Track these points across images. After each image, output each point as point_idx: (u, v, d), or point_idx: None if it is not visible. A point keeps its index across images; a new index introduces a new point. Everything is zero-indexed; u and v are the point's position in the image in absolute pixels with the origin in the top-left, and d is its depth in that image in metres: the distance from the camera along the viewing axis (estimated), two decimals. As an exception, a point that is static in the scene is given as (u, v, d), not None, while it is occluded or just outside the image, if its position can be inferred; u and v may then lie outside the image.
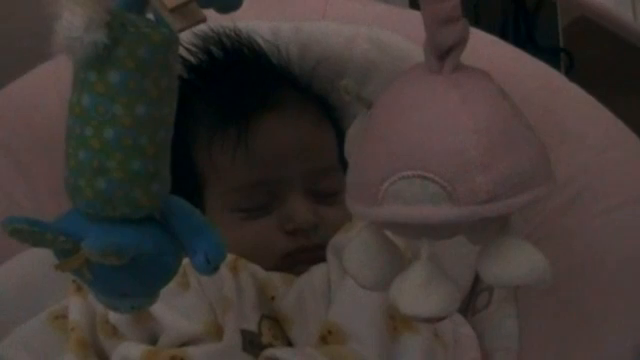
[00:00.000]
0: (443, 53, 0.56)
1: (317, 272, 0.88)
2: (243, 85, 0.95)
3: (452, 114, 0.55)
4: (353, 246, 0.62)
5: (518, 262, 0.57)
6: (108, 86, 0.58)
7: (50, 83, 1.04)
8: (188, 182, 0.90)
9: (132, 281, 0.62)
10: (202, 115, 0.94)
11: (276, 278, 0.88)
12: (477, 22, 1.30)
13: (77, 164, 0.59)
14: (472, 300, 0.92)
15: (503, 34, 1.68)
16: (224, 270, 0.85)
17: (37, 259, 0.92)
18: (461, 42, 0.56)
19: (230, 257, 0.86)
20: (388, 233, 0.62)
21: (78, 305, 0.87)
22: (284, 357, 0.80)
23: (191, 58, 0.97)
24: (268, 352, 0.81)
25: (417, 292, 0.56)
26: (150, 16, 0.61)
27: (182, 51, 0.90)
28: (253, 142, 0.91)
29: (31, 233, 0.59)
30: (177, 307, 0.83)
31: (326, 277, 0.87)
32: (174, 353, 0.80)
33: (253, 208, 0.91)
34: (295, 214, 0.90)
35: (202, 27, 0.93)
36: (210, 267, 0.62)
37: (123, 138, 0.58)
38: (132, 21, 0.58)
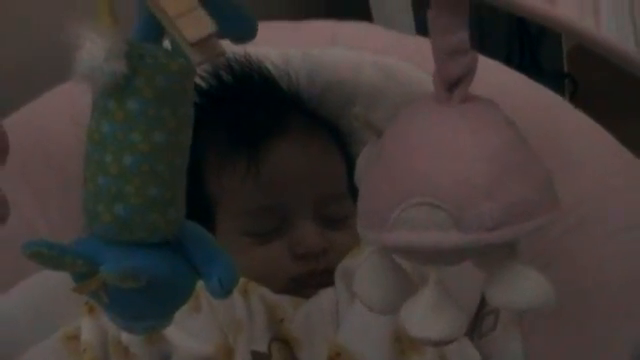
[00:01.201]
0: (451, 84, 0.58)
1: (325, 295, 0.89)
2: (253, 111, 0.96)
3: (460, 144, 0.56)
4: (363, 270, 0.63)
5: (524, 288, 0.58)
6: (127, 114, 0.59)
7: (64, 106, 1.05)
8: (199, 206, 0.91)
9: (147, 304, 0.63)
10: (212, 140, 0.95)
11: (285, 301, 0.89)
12: (482, 47, 1.32)
13: (96, 189, 0.60)
14: (478, 323, 0.93)
15: (508, 58, 1.70)
16: (235, 293, 0.86)
17: (50, 281, 0.93)
18: (469, 74, 0.57)
19: (241, 280, 0.87)
20: (396, 257, 0.63)
21: (90, 326, 0.88)
22: None
23: (201, 83, 0.99)
24: None
25: (427, 316, 0.58)
26: (167, 45, 0.63)
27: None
28: (263, 168, 0.92)
29: (50, 256, 0.60)
30: (189, 329, 0.84)
31: (334, 300, 0.88)
32: None
33: (263, 232, 0.92)
34: (304, 239, 0.91)
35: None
36: (223, 291, 0.63)
37: (141, 165, 0.59)
38: (150, 51, 0.59)
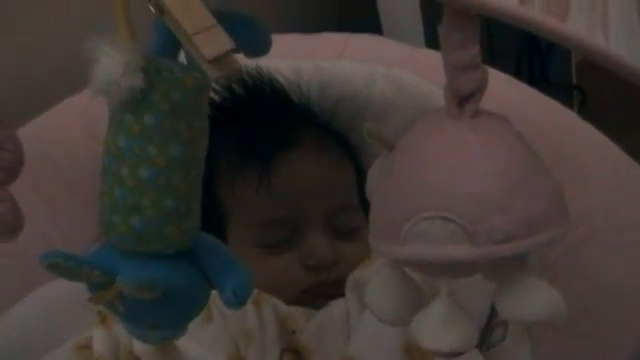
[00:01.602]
0: (463, 99, 0.58)
1: (336, 307, 0.90)
2: (266, 123, 0.97)
3: (472, 158, 0.57)
4: (375, 283, 0.64)
5: (534, 300, 0.59)
6: (143, 128, 0.60)
7: (75, 117, 1.06)
8: (212, 216, 0.92)
9: (162, 314, 0.64)
10: (225, 151, 0.96)
11: (297, 312, 0.90)
12: (492, 60, 1.32)
13: (112, 201, 0.61)
14: (487, 334, 0.93)
15: (517, 71, 1.71)
16: (247, 304, 0.86)
17: (64, 290, 0.93)
18: (480, 89, 0.58)
19: (253, 291, 0.88)
20: (407, 269, 0.64)
21: (102, 336, 0.89)
22: None
23: (214, 96, 0.99)
24: None
25: (438, 328, 0.59)
26: (182, 59, 0.64)
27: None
28: (275, 180, 0.93)
29: (67, 267, 0.60)
30: (200, 339, 0.85)
31: (345, 311, 0.89)
32: None
33: (275, 244, 0.93)
34: (315, 250, 0.92)
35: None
36: (237, 302, 0.64)
37: (157, 177, 0.60)
38: (166, 66, 0.60)
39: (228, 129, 0.97)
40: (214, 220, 0.93)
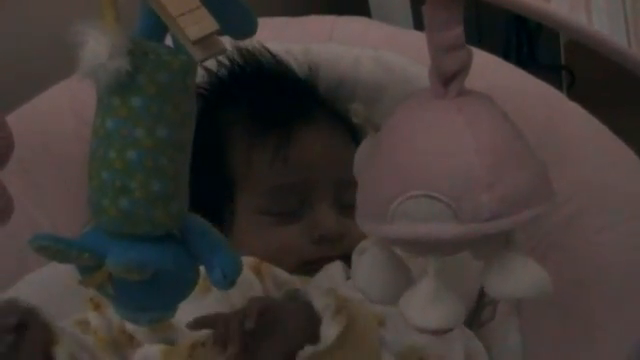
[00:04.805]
0: (447, 79, 0.59)
1: (334, 267, 0.91)
2: (284, 94, 0.98)
3: (457, 137, 0.57)
4: (362, 262, 0.64)
5: (520, 277, 0.59)
6: (130, 110, 0.60)
7: (65, 103, 1.06)
8: (219, 184, 0.94)
9: (152, 296, 0.64)
10: (241, 120, 0.97)
11: (294, 279, 0.91)
12: (480, 40, 1.33)
13: (100, 184, 0.62)
14: (477, 312, 0.94)
15: (506, 52, 1.71)
16: (249, 274, 0.87)
17: (56, 275, 0.94)
18: (465, 68, 0.58)
19: (254, 261, 0.89)
20: (395, 248, 0.65)
21: (97, 318, 0.90)
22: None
23: (221, 69, 1.00)
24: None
25: (425, 306, 0.59)
26: (169, 42, 0.64)
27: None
28: (292, 149, 0.95)
29: (57, 250, 0.61)
30: (198, 310, 0.85)
31: (342, 270, 0.90)
32: (194, 340, 0.83)
33: (282, 213, 0.94)
34: (323, 222, 0.93)
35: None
36: (226, 282, 0.64)
37: (145, 160, 0.60)
38: (152, 49, 0.61)
39: (240, 99, 0.98)
40: (220, 191, 0.94)
